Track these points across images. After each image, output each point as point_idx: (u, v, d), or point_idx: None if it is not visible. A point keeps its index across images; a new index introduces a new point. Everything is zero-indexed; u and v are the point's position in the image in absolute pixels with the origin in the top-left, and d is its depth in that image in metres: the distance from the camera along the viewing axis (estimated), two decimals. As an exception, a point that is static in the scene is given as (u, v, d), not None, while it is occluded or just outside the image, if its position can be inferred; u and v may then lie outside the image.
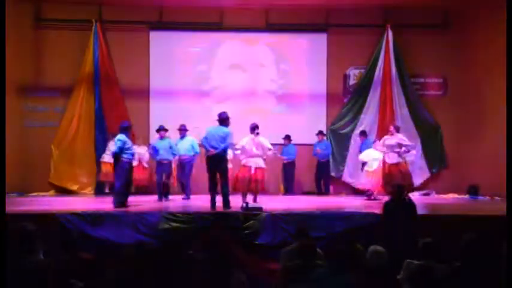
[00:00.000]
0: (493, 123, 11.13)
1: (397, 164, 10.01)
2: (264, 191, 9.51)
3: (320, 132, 12.36)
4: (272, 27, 12.90)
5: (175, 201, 10.33)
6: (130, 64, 12.65)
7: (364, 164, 11.00)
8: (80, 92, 12.37)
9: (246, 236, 7.51)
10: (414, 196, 10.10)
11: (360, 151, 11.66)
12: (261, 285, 6.19)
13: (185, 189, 10.88)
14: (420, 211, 7.43)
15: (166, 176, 10.62)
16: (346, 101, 12.99)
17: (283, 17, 12.82)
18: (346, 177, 12.70)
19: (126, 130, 8.90)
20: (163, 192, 10.54)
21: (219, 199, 8.43)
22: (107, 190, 11.87)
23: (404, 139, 10.26)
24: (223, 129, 8.44)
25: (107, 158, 11.72)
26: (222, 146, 8.34)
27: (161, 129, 10.68)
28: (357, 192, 12.09)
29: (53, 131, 12.30)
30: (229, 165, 9.48)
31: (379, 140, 10.74)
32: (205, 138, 8.46)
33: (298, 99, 13.09)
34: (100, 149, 12.11)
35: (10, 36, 11.62)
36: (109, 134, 12.01)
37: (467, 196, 11.72)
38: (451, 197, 11.80)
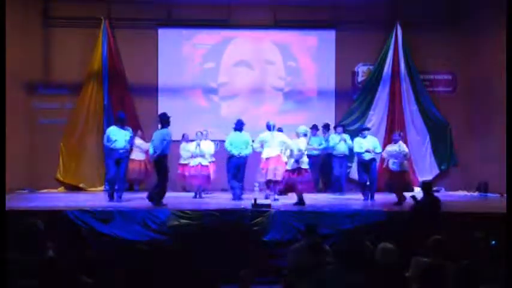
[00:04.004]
0: (503, 120, 11.04)
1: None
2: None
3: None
4: (280, 24, 12.85)
5: (184, 198, 10.30)
6: (139, 61, 12.65)
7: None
8: (89, 90, 12.40)
9: (254, 232, 7.53)
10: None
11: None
12: (269, 282, 6.20)
13: None
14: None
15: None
16: (355, 97, 12.92)
17: (291, 13, 12.76)
18: (354, 174, 12.62)
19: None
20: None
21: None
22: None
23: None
24: (245, 135, 9.99)
25: (134, 155, 11.51)
26: (247, 148, 9.86)
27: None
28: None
29: (62, 128, 12.34)
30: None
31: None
32: (231, 144, 9.81)
33: (306, 96, 13.07)
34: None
35: (19, 34, 11.74)
36: (134, 131, 11.87)
37: (476, 193, 11.67)
38: (461, 194, 11.74)
